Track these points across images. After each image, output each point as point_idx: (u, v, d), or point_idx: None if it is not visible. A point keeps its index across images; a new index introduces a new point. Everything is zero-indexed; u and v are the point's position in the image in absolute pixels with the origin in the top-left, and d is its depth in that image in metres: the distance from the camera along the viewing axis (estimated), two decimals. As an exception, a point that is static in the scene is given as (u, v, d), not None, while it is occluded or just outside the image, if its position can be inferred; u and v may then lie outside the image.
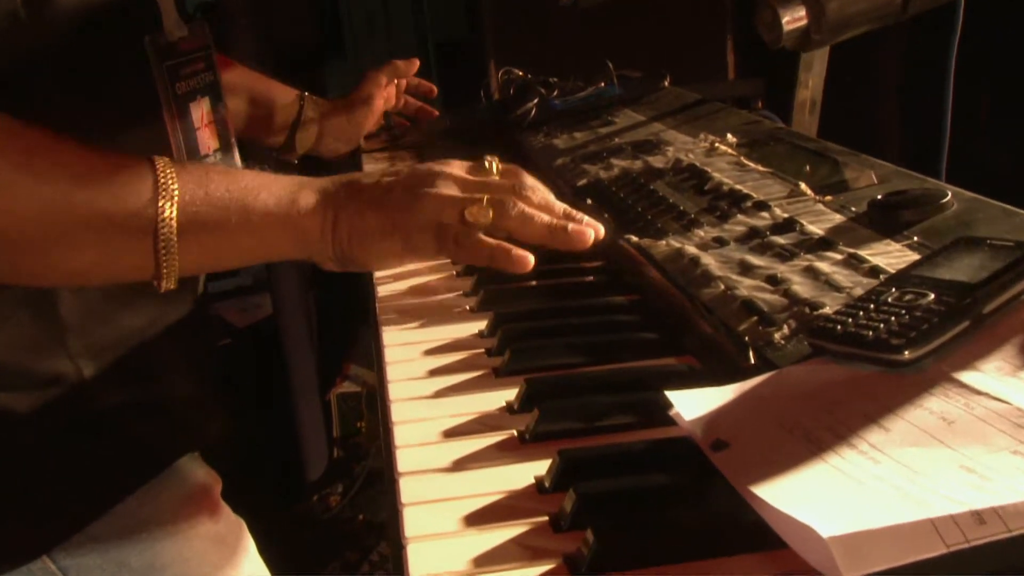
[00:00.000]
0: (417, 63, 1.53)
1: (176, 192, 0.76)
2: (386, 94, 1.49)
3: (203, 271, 0.85)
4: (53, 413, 0.86)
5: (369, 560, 2.17)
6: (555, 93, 1.55)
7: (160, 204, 0.76)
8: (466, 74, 2.39)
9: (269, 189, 0.81)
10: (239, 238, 0.79)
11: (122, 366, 0.90)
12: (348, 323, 2.53)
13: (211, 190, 0.78)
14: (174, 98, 0.91)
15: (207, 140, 0.98)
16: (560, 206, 0.85)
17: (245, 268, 2.74)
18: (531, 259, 0.80)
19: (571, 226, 0.83)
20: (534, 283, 0.96)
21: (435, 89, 1.55)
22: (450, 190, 0.82)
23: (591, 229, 0.84)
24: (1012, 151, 1.90)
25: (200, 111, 0.95)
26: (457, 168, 0.85)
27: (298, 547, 2.23)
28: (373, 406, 2.44)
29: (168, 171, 0.77)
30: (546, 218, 0.83)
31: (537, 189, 0.86)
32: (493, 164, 0.87)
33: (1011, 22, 1.79)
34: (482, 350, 0.84)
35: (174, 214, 0.76)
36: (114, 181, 0.76)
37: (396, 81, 1.52)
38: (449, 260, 1.06)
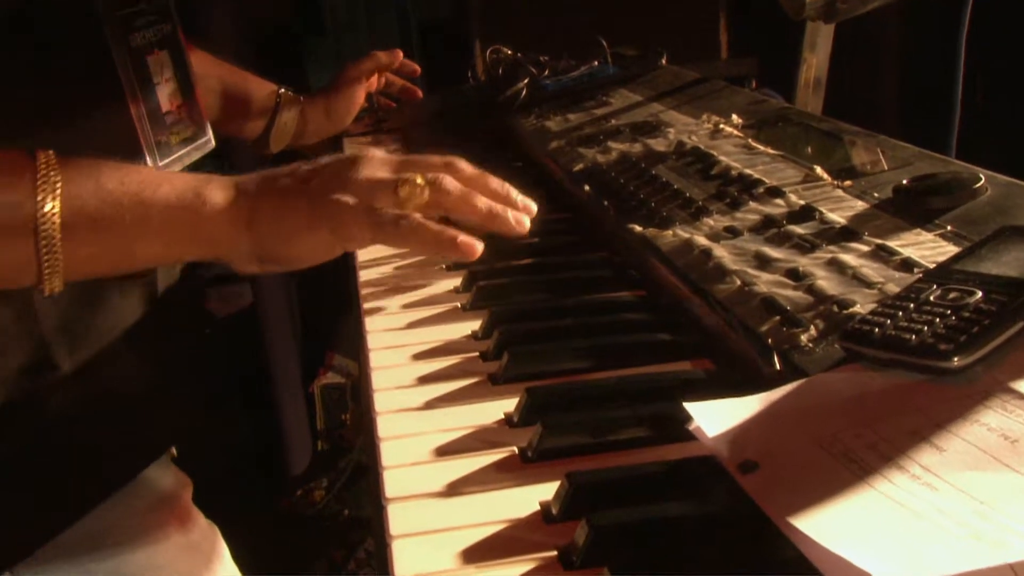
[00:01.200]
0: (400, 54, 1.45)
1: (59, 185, 0.69)
2: (367, 86, 1.42)
3: (96, 274, 0.76)
4: (22, 420, 0.81)
5: (355, 558, 2.11)
6: (546, 73, 1.47)
7: (40, 198, 0.68)
8: (451, 54, 2.30)
9: (171, 183, 0.74)
10: (135, 237, 0.72)
11: (100, 362, 0.85)
12: (331, 312, 2.45)
13: (102, 182, 0.71)
14: (128, 51, 0.83)
15: (168, 96, 0.90)
16: (495, 180, 0.78)
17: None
18: (480, 246, 0.72)
19: (512, 213, 0.75)
20: (532, 277, 0.89)
21: (418, 69, 1.47)
22: (378, 171, 0.74)
23: (527, 215, 0.77)
24: (1009, 139, 1.84)
25: (160, 66, 0.87)
26: (380, 153, 0.78)
27: (282, 545, 2.17)
28: (358, 397, 2.37)
29: (50, 163, 0.70)
30: (486, 199, 0.75)
31: (467, 165, 0.79)
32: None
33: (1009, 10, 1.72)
34: (476, 354, 0.76)
35: (56, 208, 0.69)
36: None
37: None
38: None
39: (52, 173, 0.69)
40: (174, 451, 1.00)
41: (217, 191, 0.74)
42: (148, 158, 0.84)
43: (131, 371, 0.90)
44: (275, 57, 1.45)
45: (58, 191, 0.69)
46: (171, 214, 0.72)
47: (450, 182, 0.74)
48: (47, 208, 0.68)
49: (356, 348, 0.83)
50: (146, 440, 0.93)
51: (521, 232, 0.76)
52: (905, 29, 1.86)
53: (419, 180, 0.72)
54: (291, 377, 2.40)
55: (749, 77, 2.25)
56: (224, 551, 0.99)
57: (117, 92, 0.84)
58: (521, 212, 0.77)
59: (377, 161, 0.75)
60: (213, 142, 0.95)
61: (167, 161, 0.86)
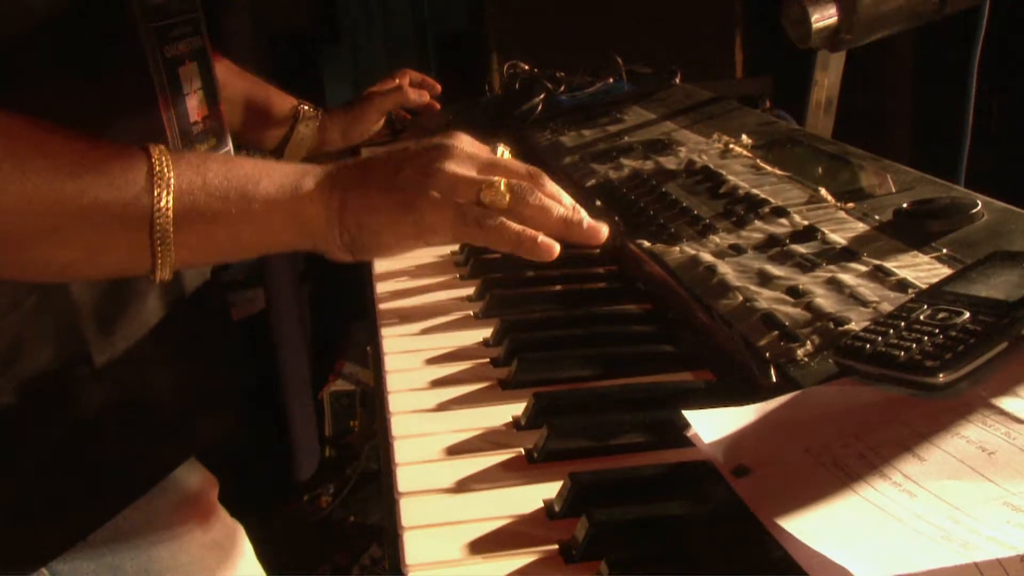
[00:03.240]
0: (427, 95, 1.50)
1: (172, 180, 0.72)
2: (387, 112, 1.47)
3: (202, 263, 0.80)
4: (58, 418, 0.83)
5: (360, 563, 2.13)
6: (562, 88, 1.51)
7: (156, 193, 0.71)
8: (467, 67, 2.34)
9: (270, 176, 0.76)
10: (240, 228, 0.75)
11: (133, 359, 0.88)
12: (342, 320, 2.48)
13: (209, 178, 0.74)
14: (163, 61, 0.87)
15: (196, 106, 0.93)
16: (569, 198, 0.81)
17: (237, 263, 2.69)
18: (557, 248, 0.74)
19: (587, 221, 0.78)
20: (542, 288, 0.92)
21: (439, 87, 1.51)
22: (465, 169, 0.76)
23: (604, 225, 0.79)
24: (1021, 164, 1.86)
25: (189, 77, 0.91)
26: (467, 144, 0.80)
27: (287, 549, 2.19)
28: (366, 404, 2.39)
29: (164, 159, 0.73)
30: (562, 210, 0.77)
31: (547, 177, 0.81)
32: (504, 152, 0.83)
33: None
34: (487, 360, 0.80)
35: (170, 204, 0.72)
36: (106, 170, 0.72)
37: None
38: (454, 263, 1.02)
39: (166, 168, 0.72)
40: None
41: (312, 180, 0.77)
42: None
43: (163, 370, 0.92)
44: (292, 64, 1.49)
45: (172, 186, 0.72)
46: (272, 206, 0.75)
47: (531, 192, 0.76)
48: (162, 203, 0.71)
49: (367, 356, 0.86)
50: (178, 439, 0.94)
51: (598, 241, 0.78)
52: (918, 54, 1.88)
53: (503, 187, 0.74)
54: (301, 383, 2.43)
55: (763, 96, 2.28)
56: (248, 549, 1.01)
57: (151, 99, 0.87)
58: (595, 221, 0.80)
59: (466, 156, 0.77)
60: (233, 152, 0.98)
61: None
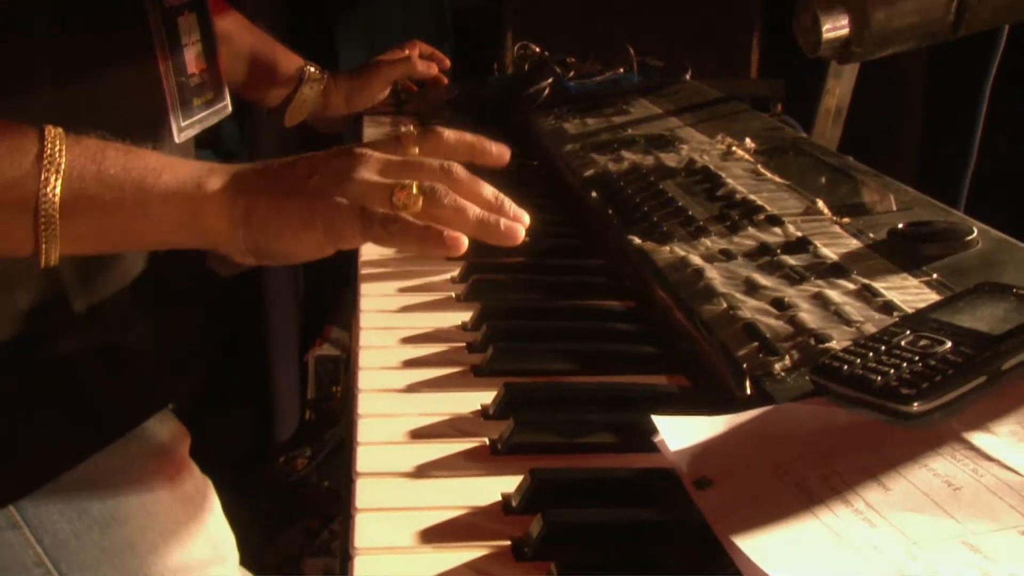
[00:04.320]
0: (435, 67, 1.48)
1: (63, 165, 0.70)
2: (393, 83, 1.46)
3: (92, 252, 0.78)
4: (32, 361, 0.83)
5: (330, 528, 2.13)
6: (571, 74, 1.49)
7: (43, 177, 0.69)
8: (481, 43, 2.31)
9: (174, 171, 0.74)
10: (134, 221, 0.73)
11: (109, 303, 0.87)
12: (334, 285, 2.47)
13: (105, 166, 0.71)
14: (162, 11, 0.85)
15: (194, 59, 0.92)
16: (489, 190, 0.77)
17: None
18: (465, 241, 0.72)
19: (503, 222, 0.74)
20: (527, 276, 0.91)
21: (448, 62, 1.50)
22: (374, 175, 0.74)
23: (520, 225, 0.75)
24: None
25: (188, 29, 0.90)
26: (378, 150, 0.77)
27: (259, 507, 2.19)
28: (349, 370, 2.38)
29: (57, 142, 0.70)
30: (478, 210, 0.74)
31: (463, 172, 0.78)
32: (411, 134, 0.79)
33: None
34: (463, 344, 0.79)
35: (58, 189, 0.69)
36: None
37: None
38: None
39: (57, 152, 0.70)
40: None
41: (217, 181, 0.74)
42: (172, 116, 0.86)
43: (141, 321, 0.92)
44: (307, 25, 1.47)
45: (61, 171, 0.69)
46: (170, 203, 0.72)
47: (444, 194, 0.73)
48: (49, 188, 0.69)
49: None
50: (152, 390, 0.95)
51: (511, 243, 0.75)
52: (932, 72, 1.87)
53: (415, 189, 0.72)
54: (287, 344, 2.43)
55: (775, 99, 2.26)
56: (216, 505, 1.01)
57: (148, 49, 0.86)
58: (513, 222, 0.76)
59: (376, 162, 0.75)
60: (231, 108, 0.97)
61: (189, 121, 0.89)
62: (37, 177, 0.69)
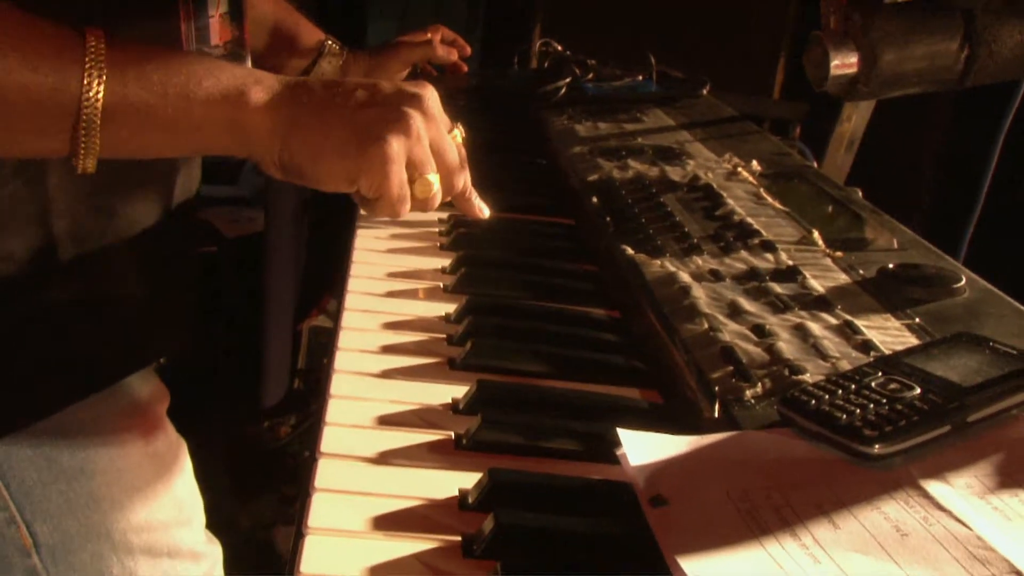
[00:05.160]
0: (455, 53, 1.48)
1: (105, 69, 0.68)
2: (412, 65, 1.46)
3: (130, 155, 0.76)
4: (15, 305, 0.82)
5: (305, 499, 2.14)
6: (590, 76, 1.49)
7: (86, 81, 0.68)
8: (509, 35, 2.32)
9: (216, 77, 0.72)
10: (174, 127, 0.71)
11: (101, 258, 0.86)
12: (336, 257, 2.47)
13: (148, 70, 0.70)
14: None
15: (219, 28, 0.92)
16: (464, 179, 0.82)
17: (244, 180, 2.67)
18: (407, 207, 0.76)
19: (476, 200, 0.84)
20: (516, 275, 0.92)
21: (469, 50, 1.50)
22: (420, 143, 0.75)
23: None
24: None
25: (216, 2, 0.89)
26: (436, 108, 0.77)
27: (238, 470, 2.21)
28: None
29: (100, 46, 0.68)
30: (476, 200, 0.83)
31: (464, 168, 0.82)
32: (458, 135, 0.81)
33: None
34: (444, 336, 0.79)
35: (100, 93, 0.68)
36: (36, 49, 0.68)
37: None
38: (438, 231, 1.02)
39: (100, 57, 0.68)
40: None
41: (262, 93, 0.73)
42: None
43: (130, 278, 0.91)
44: (338, 1, 1.48)
45: (104, 76, 0.68)
46: (212, 110, 0.71)
47: (464, 183, 0.80)
48: (91, 93, 0.68)
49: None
50: (135, 348, 0.94)
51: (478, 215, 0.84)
52: (950, 113, 1.86)
53: (436, 187, 0.75)
54: (283, 311, 2.43)
55: (795, 122, 2.26)
56: (187, 466, 1.00)
57: (173, 13, 0.86)
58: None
59: (428, 125, 0.75)
60: None
61: None
62: (80, 80, 0.67)
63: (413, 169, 0.74)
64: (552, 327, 0.81)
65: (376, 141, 0.72)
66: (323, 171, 0.74)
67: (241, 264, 2.51)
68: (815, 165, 1.27)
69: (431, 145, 0.76)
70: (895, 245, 0.92)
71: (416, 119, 0.74)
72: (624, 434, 0.62)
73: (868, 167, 1.68)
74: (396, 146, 0.72)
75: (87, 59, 0.68)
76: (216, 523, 1.07)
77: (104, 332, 0.90)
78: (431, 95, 0.77)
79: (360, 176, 0.73)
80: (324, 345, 2.43)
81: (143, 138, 0.72)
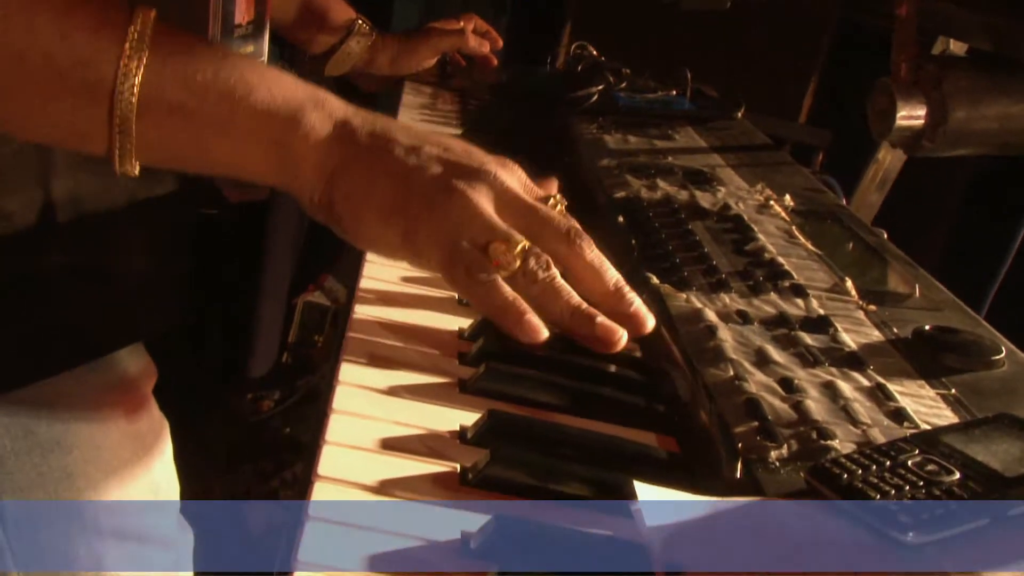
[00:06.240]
0: (487, 45, 1.44)
1: (147, 55, 0.59)
2: (441, 53, 1.42)
3: (161, 164, 0.66)
4: (10, 261, 0.79)
5: (281, 476, 2.11)
6: (623, 85, 1.45)
7: (123, 63, 0.59)
8: (540, 32, 2.27)
9: (271, 90, 0.62)
10: (210, 138, 0.62)
11: (100, 224, 0.82)
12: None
13: (192, 68, 0.61)
14: None
15: (243, 8, 0.88)
16: (611, 275, 0.66)
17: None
18: (544, 333, 0.62)
19: (600, 321, 0.63)
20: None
21: (500, 42, 1.46)
22: (491, 208, 0.63)
23: (624, 330, 0.64)
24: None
25: None
26: (516, 178, 0.66)
27: (216, 440, 2.17)
28: (337, 324, 2.36)
29: (146, 26, 0.60)
30: (573, 302, 0.63)
31: (589, 248, 0.66)
32: (557, 203, 0.68)
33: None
34: (456, 353, 0.75)
35: (137, 81, 0.59)
36: (71, 14, 0.59)
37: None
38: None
39: (144, 39, 0.60)
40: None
41: (322, 121, 0.63)
42: None
43: (131, 248, 0.88)
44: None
45: (144, 61, 0.59)
46: (259, 125, 0.62)
47: (545, 268, 0.63)
48: (128, 82, 0.59)
49: (350, 276, 0.80)
50: (128, 322, 0.91)
51: (605, 348, 0.64)
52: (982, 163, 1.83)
53: (517, 249, 0.62)
54: (279, 282, 2.39)
55: (819, 149, 2.23)
56: (167, 449, 0.97)
57: None
58: (625, 320, 0.64)
59: (505, 193, 0.64)
60: (267, 61, 0.93)
61: None
62: (115, 61, 0.59)
63: (483, 238, 0.62)
64: (569, 357, 0.76)
65: (427, 203, 0.62)
66: (364, 230, 0.64)
67: (240, 230, 2.46)
68: (845, 203, 1.23)
69: (508, 207, 0.63)
70: (931, 304, 0.88)
71: (481, 182, 0.63)
72: (642, 488, 0.58)
73: (889, 201, 1.65)
74: (450, 211, 0.62)
75: (128, 39, 0.59)
76: (192, 490, 1.03)
77: (98, 301, 0.87)
78: (512, 168, 0.66)
79: (406, 243, 0.62)
80: (317, 322, 2.39)
81: (172, 145, 0.63)
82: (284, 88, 0.63)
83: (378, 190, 0.63)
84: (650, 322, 0.66)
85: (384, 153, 0.63)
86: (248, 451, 2.21)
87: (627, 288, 0.66)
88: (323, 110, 0.64)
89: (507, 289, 0.61)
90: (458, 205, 0.62)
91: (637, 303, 0.66)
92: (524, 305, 0.61)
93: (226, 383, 2.31)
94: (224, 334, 2.35)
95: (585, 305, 0.63)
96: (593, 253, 0.66)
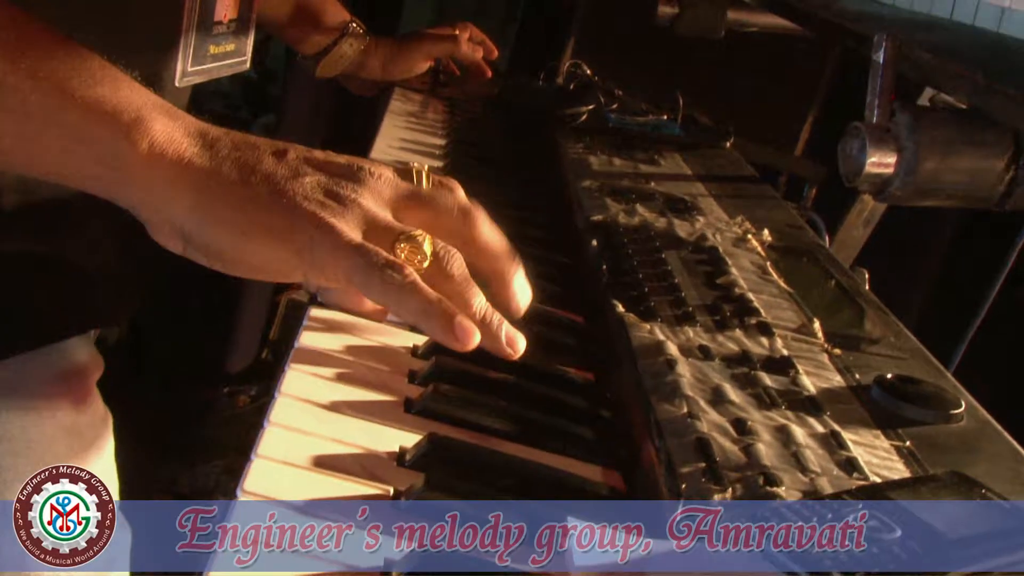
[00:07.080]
0: (481, 52, 1.43)
1: None
2: (434, 60, 1.41)
3: None
4: None
5: (250, 473, 2.09)
6: (614, 105, 1.44)
7: None
8: (541, 44, 2.26)
9: (116, 88, 0.55)
10: (36, 134, 0.55)
11: (51, 209, 0.79)
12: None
13: (24, 40, 0.54)
14: None
15: (225, 7, 0.86)
16: (515, 267, 0.64)
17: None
18: (477, 337, 0.59)
19: (507, 331, 0.61)
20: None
21: (496, 52, 1.45)
22: (382, 207, 0.59)
23: (521, 341, 0.63)
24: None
25: None
26: (387, 168, 0.62)
27: (188, 431, 2.16)
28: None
29: None
30: (483, 304, 0.61)
31: (491, 232, 0.64)
32: (423, 176, 0.64)
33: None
34: (405, 370, 0.74)
35: None
36: None
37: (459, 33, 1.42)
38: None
39: None
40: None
41: (175, 131, 0.56)
42: (180, 54, 0.80)
43: (87, 233, 0.86)
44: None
45: None
46: (90, 127, 0.55)
47: (458, 265, 0.60)
48: None
49: None
50: (79, 312, 0.89)
51: (508, 356, 0.63)
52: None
53: (427, 247, 0.59)
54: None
55: (811, 183, 2.22)
56: (108, 445, 0.94)
57: None
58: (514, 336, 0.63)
59: (389, 188, 0.60)
60: (248, 64, 0.92)
61: (197, 68, 0.83)
62: None
63: (387, 242, 0.58)
64: (522, 382, 0.75)
65: (315, 213, 0.56)
66: (249, 254, 0.57)
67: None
68: (827, 242, 1.22)
69: (398, 200, 0.60)
70: (896, 352, 0.87)
71: (365, 181, 0.59)
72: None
73: (876, 237, 1.64)
74: (346, 218, 0.57)
75: None
76: (158, 484, 1.01)
77: (45, 288, 0.84)
78: (382, 166, 0.62)
79: (302, 261, 0.56)
80: (299, 320, 2.38)
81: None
82: (134, 91, 0.57)
83: (252, 208, 0.56)
84: (521, 344, 0.64)
85: (255, 164, 0.58)
86: (220, 446, 2.20)
87: (522, 276, 0.66)
88: (178, 123, 0.58)
89: (429, 291, 0.58)
90: (353, 209, 0.58)
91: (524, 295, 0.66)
92: (451, 307, 0.58)
93: (201, 376, 2.30)
94: (204, 325, 2.34)
95: (489, 312, 0.62)
96: (494, 238, 0.65)
